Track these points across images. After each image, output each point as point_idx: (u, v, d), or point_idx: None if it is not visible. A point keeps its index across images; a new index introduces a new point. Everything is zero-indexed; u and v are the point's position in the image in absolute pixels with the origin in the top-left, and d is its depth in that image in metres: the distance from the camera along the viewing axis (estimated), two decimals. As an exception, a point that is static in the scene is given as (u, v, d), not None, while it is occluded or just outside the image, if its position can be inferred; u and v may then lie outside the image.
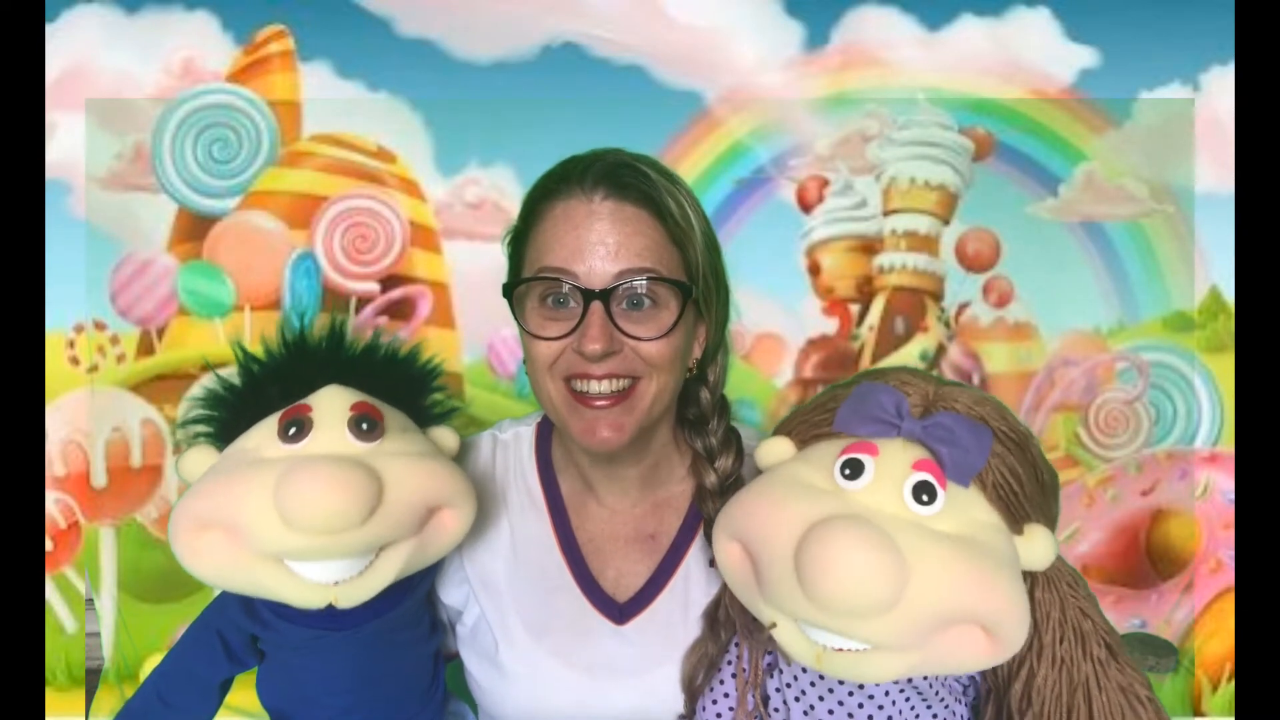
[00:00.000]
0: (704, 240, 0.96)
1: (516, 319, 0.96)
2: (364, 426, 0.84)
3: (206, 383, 0.93)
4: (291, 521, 0.77)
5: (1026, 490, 0.80)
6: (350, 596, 0.84)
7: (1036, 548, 0.79)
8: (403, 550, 0.85)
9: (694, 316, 0.97)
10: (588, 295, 0.90)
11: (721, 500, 0.96)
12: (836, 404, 0.84)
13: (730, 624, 0.95)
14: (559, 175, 0.95)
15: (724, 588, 0.95)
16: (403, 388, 0.95)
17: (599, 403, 0.93)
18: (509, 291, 0.96)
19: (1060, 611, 0.84)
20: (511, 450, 1.09)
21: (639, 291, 0.91)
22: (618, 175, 0.93)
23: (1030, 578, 0.81)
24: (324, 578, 0.82)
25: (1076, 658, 0.83)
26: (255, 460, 0.83)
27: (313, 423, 0.84)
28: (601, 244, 0.90)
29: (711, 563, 0.97)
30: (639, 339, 0.91)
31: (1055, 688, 0.83)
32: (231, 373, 0.93)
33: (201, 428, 0.90)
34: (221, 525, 0.81)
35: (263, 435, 0.86)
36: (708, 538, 0.97)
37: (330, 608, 0.83)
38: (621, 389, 0.93)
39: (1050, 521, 0.83)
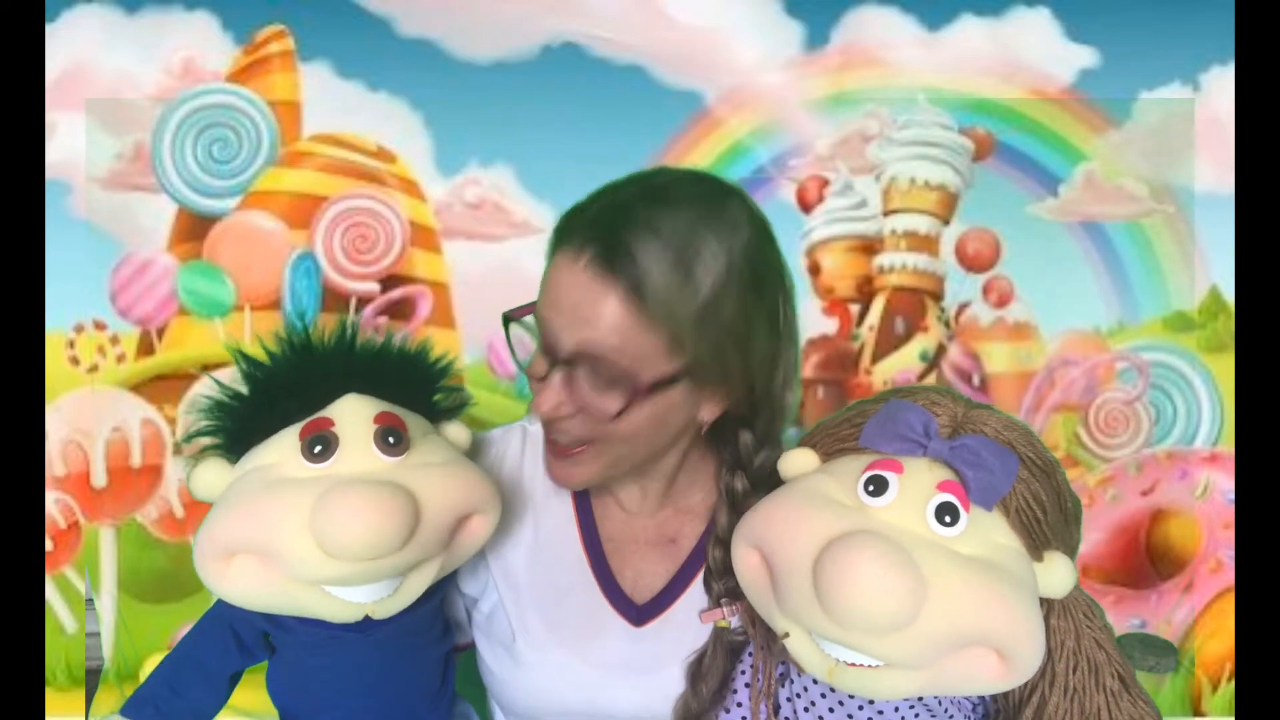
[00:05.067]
0: (711, 309, 0.87)
1: (510, 342, 0.95)
2: (390, 440, 0.82)
3: (210, 391, 0.89)
4: (332, 552, 0.75)
5: (1049, 518, 0.80)
6: (384, 611, 0.84)
7: (1055, 575, 0.79)
8: (434, 565, 0.85)
9: (689, 387, 0.91)
10: (551, 358, 0.88)
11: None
12: (863, 419, 0.84)
13: (713, 677, 0.94)
14: (567, 219, 0.91)
15: (713, 638, 0.94)
16: (417, 388, 0.93)
17: (557, 448, 0.93)
18: (507, 321, 0.95)
19: (1075, 640, 0.83)
20: (540, 444, 1.08)
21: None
22: (610, 237, 0.86)
23: (1046, 605, 0.81)
24: (360, 599, 0.82)
25: (1089, 688, 0.83)
26: (281, 480, 0.81)
27: (338, 439, 0.81)
28: (571, 311, 0.86)
29: (701, 614, 0.96)
30: (593, 409, 0.88)
31: (1066, 717, 0.83)
32: (233, 377, 0.90)
33: (208, 439, 0.88)
34: (253, 551, 0.79)
35: (284, 451, 0.83)
36: (706, 585, 0.96)
37: None
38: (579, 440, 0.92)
39: (1071, 550, 0.82)
